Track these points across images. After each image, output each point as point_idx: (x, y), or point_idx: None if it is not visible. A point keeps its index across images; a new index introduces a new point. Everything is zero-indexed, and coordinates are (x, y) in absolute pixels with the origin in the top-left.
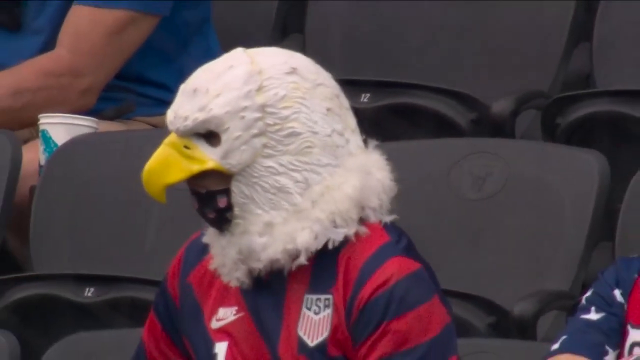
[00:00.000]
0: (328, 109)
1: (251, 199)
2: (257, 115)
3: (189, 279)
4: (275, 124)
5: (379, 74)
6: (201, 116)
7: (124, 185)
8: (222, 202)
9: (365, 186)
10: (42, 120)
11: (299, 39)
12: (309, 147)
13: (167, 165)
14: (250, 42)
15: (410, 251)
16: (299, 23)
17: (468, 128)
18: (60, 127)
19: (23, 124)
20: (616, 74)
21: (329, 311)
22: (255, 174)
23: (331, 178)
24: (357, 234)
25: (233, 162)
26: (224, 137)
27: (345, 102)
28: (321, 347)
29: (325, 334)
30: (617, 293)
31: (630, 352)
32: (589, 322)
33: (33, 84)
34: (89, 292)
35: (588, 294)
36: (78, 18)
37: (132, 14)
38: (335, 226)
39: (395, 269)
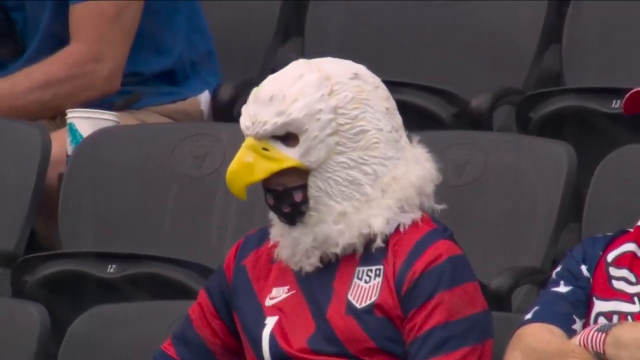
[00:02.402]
0: (387, 109)
1: (325, 192)
2: (331, 116)
3: (244, 262)
4: (346, 124)
5: None
6: (281, 120)
7: (143, 172)
8: (298, 197)
9: (423, 175)
10: (69, 115)
11: (299, 42)
12: (376, 142)
13: (249, 166)
14: (254, 46)
15: (454, 239)
16: (298, 28)
17: (450, 121)
18: (86, 121)
19: (52, 113)
20: (583, 73)
21: (379, 280)
22: (330, 169)
23: (395, 169)
24: (416, 220)
25: (312, 160)
26: (303, 138)
27: (394, 102)
28: (368, 309)
29: (374, 299)
30: (583, 268)
31: (596, 321)
32: (559, 294)
33: (60, 75)
34: (111, 268)
35: (558, 269)
36: (79, 15)
37: None
38: (403, 211)
39: (445, 248)
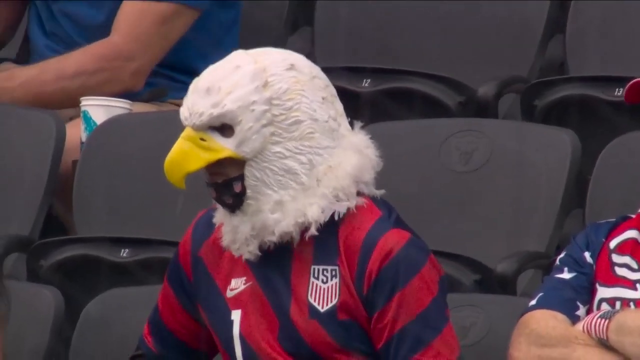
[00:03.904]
0: (323, 98)
1: (262, 182)
2: (265, 107)
3: (199, 253)
4: (281, 114)
5: (378, 62)
6: (216, 111)
7: (155, 158)
8: (237, 188)
9: (360, 163)
10: (83, 103)
11: (308, 31)
12: (311, 132)
13: (186, 156)
14: (264, 35)
15: (400, 223)
16: (308, 17)
17: (456, 109)
18: (99, 109)
19: (75, 102)
20: (586, 62)
21: (336, 280)
22: (266, 159)
23: (331, 158)
24: (351, 209)
25: (247, 150)
26: (237, 129)
27: (333, 90)
28: (331, 313)
29: (335, 301)
30: (587, 255)
31: (599, 307)
32: (562, 281)
33: (89, 67)
34: (124, 253)
35: (561, 255)
36: (129, 10)
37: (177, 7)
38: (338, 200)
39: (394, 240)
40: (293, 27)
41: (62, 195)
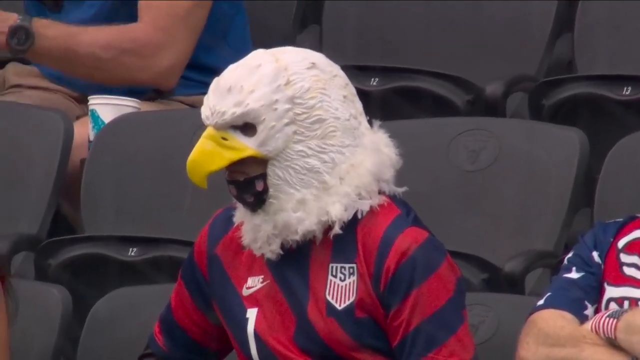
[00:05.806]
0: (344, 96)
1: (284, 180)
2: (288, 106)
3: (216, 251)
4: (303, 113)
5: (386, 61)
6: (239, 110)
7: (163, 157)
8: (259, 186)
9: (380, 162)
10: (91, 102)
11: (317, 29)
12: (333, 131)
13: (209, 155)
14: (272, 32)
15: (418, 221)
16: (316, 16)
17: (464, 108)
18: (107, 107)
19: (102, 78)
20: (595, 60)
21: (353, 278)
22: (288, 158)
23: (353, 157)
24: (373, 207)
25: (269, 149)
26: (260, 128)
27: (353, 89)
28: (349, 310)
29: (352, 299)
30: (595, 254)
31: (607, 307)
32: (571, 280)
33: (122, 44)
34: (133, 251)
35: (570, 255)
36: (151, 5)
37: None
38: (361, 198)
39: (412, 238)
40: (301, 26)
41: (70, 194)
